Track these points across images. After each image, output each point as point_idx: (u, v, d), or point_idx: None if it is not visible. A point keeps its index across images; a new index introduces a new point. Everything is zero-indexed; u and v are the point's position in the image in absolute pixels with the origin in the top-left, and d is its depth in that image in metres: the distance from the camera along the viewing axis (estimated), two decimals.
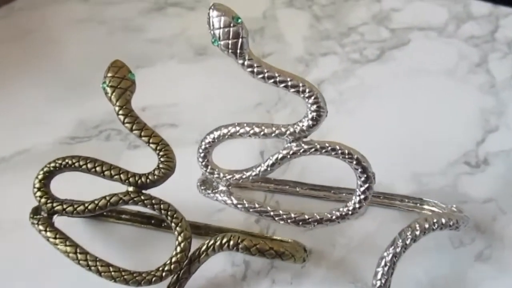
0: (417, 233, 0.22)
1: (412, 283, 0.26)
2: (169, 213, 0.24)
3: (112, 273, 0.23)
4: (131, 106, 0.26)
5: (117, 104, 0.25)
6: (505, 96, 0.37)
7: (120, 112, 0.25)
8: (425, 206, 0.27)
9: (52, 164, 0.25)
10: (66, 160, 0.25)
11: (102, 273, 0.23)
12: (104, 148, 0.34)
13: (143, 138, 0.25)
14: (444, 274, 0.26)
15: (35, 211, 0.25)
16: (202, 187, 0.26)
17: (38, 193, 0.24)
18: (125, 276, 0.23)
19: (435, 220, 0.23)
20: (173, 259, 0.23)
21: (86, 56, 0.43)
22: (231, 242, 0.23)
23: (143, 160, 0.33)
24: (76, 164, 0.25)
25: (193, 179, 0.29)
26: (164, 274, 0.23)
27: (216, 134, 0.24)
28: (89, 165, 0.25)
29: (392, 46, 0.43)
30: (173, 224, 0.24)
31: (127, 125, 0.25)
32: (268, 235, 0.28)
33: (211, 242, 0.23)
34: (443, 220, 0.23)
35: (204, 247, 0.24)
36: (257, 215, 0.25)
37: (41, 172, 0.25)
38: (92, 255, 0.23)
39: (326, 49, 0.42)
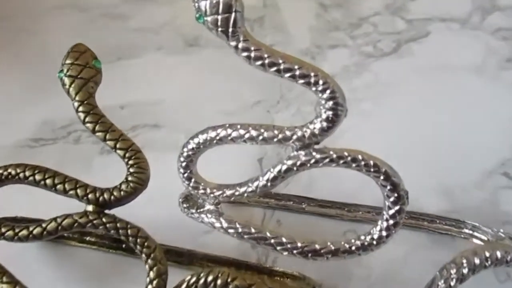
0: (465, 271, 0.17)
1: None
2: (138, 240, 0.18)
3: None
4: (95, 101, 0.20)
5: (76, 98, 0.19)
6: None
7: (80, 108, 0.19)
8: (464, 230, 0.22)
9: None
10: (9, 170, 0.19)
11: None
12: (73, 153, 0.28)
13: (108, 142, 0.19)
14: None
15: None
16: (185, 205, 0.21)
17: None
18: None
19: (488, 254, 0.17)
20: None
21: (60, 46, 0.36)
22: (219, 281, 0.17)
23: (118, 168, 0.27)
24: (21, 175, 0.19)
25: (176, 192, 0.23)
26: None
27: (201, 138, 0.19)
28: (37, 177, 0.19)
29: (409, 39, 0.37)
30: (143, 256, 0.18)
31: (88, 125, 0.19)
32: (268, 265, 0.22)
33: (193, 279, 0.18)
34: (499, 254, 0.17)
35: (184, 285, 0.18)
36: (254, 243, 0.19)
37: None
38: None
39: (335, 41, 0.37)
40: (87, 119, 0.19)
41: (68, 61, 0.19)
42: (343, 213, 0.24)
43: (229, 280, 0.17)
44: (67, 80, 0.19)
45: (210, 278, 0.17)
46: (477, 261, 0.17)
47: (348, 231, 0.24)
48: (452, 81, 0.33)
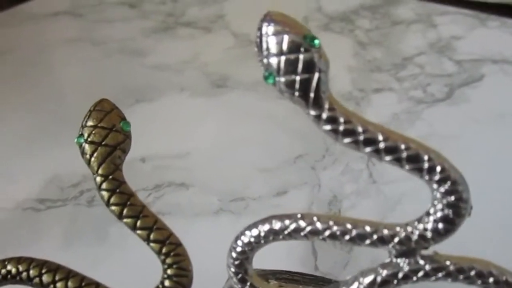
0: None
1: None
2: None
3: None
4: (122, 176, 0.15)
5: (99, 172, 0.15)
6: None
7: (104, 185, 0.15)
8: None
9: None
10: (8, 268, 0.14)
11: None
12: (85, 217, 0.23)
13: (138, 231, 0.14)
14: None
15: None
16: None
17: None
18: None
19: None
20: None
21: (72, 84, 0.33)
22: None
23: (136, 241, 0.23)
24: (24, 275, 0.14)
25: (213, 271, 0.18)
26: None
27: (262, 229, 0.14)
28: (45, 278, 0.14)
29: (462, 83, 0.33)
30: None
31: (113, 208, 0.15)
32: None
33: None
34: None
35: None
36: None
37: None
38: None
39: (379, 83, 0.33)
40: (112, 200, 0.14)
41: (89, 123, 0.15)
42: None
43: None
44: (88, 148, 0.15)
45: None
46: None
47: None
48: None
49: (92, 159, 0.15)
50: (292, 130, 0.29)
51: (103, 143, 0.15)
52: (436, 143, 0.27)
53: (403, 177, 0.23)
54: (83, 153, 0.15)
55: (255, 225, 0.14)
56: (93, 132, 0.15)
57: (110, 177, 0.15)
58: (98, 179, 0.15)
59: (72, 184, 0.25)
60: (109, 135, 0.15)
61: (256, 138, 0.28)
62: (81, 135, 0.15)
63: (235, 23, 0.38)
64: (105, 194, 0.15)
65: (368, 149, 0.12)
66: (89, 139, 0.15)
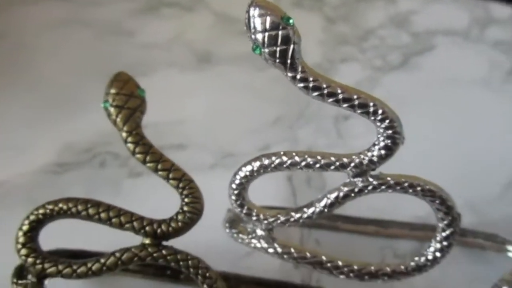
0: None
1: None
2: (199, 271, 0.18)
3: None
4: (142, 131, 0.20)
5: (125, 129, 0.19)
6: None
7: (129, 139, 0.19)
8: (508, 247, 0.23)
9: (41, 211, 0.19)
10: (60, 205, 0.19)
11: None
12: (100, 177, 0.28)
13: (159, 172, 0.19)
14: None
15: (19, 273, 0.19)
16: (234, 231, 0.21)
17: (24, 251, 0.18)
18: None
19: None
20: None
21: (69, 65, 0.36)
22: None
23: (148, 191, 0.27)
24: (73, 210, 0.19)
25: (211, 215, 0.23)
26: None
27: (255, 165, 0.19)
28: (91, 211, 0.19)
29: (416, 52, 0.38)
30: (205, 286, 0.18)
31: (138, 156, 0.19)
32: (313, 284, 0.23)
33: None
34: None
35: None
36: (310, 267, 0.19)
37: (27, 222, 0.19)
38: None
39: (345, 54, 0.38)
40: (137, 150, 0.19)
41: (113, 91, 0.19)
42: (379, 230, 0.24)
43: None
44: (113, 111, 0.19)
45: None
46: None
47: (384, 248, 0.25)
48: (461, 95, 0.35)
49: (118, 119, 0.19)
50: (270, 97, 0.34)
51: (125, 106, 0.19)
52: (393, 104, 0.34)
53: (363, 133, 0.30)
54: (109, 114, 0.20)
55: (249, 162, 0.19)
56: (116, 98, 0.19)
57: (134, 132, 0.19)
58: (124, 134, 0.19)
59: (84, 149, 0.29)
60: (130, 100, 0.20)
61: (240, 105, 0.33)
62: (106, 101, 0.20)
63: (215, 3, 0.42)
64: (130, 146, 0.19)
65: (330, 100, 0.17)
66: (113, 104, 0.19)
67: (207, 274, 0.18)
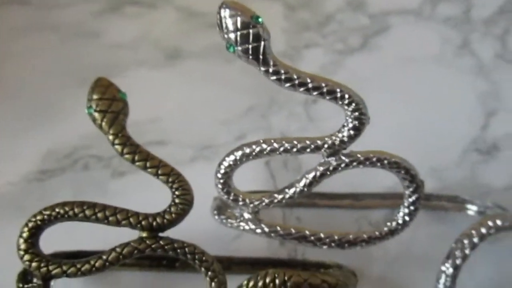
0: (475, 240, 0.21)
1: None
2: (196, 256, 0.20)
3: None
4: (128, 133, 0.21)
5: (111, 132, 0.21)
6: (496, 76, 0.37)
7: (116, 141, 0.20)
8: (468, 206, 0.26)
9: (39, 217, 0.20)
10: (57, 210, 0.20)
11: None
12: (84, 180, 0.29)
13: (149, 170, 0.21)
14: (488, 275, 0.25)
15: (23, 278, 0.20)
16: (222, 217, 0.23)
17: (27, 257, 0.20)
18: None
19: (490, 224, 0.21)
20: None
21: (40, 70, 0.37)
22: (277, 281, 0.20)
23: (134, 189, 0.29)
24: (70, 213, 0.20)
25: (197, 204, 0.25)
26: None
27: (237, 155, 0.21)
28: (88, 212, 0.20)
29: (373, 33, 0.41)
30: (203, 269, 0.20)
31: (127, 156, 0.21)
32: (300, 258, 0.25)
33: (251, 283, 0.20)
34: (499, 222, 0.21)
35: None
36: (296, 242, 0.21)
37: (26, 229, 0.20)
38: None
39: (307, 40, 0.40)
40: (125, 151, 0.20)
41: (95, 96, 0.20)
42: (353, 203, 0.27)
43: (286, 278, 0.20)
44: (98, 116, 0.20)
45: (268, 279, 0.20)
46: (484, 230, 0.21)
47: (359, 218, 0.27)
48: (417, 71, 0.37)
49: (103, 123, 0.21)
50: (240, 88, 0.35)
51: (109, 110, 0.21)
52: (356, 85, 0.36)
53: (331, 114, 0.32)
54: (94, 120, 0.21)
55: (231, 152, 0.21)
56: (100, 103, 0.21)
57: (120, 134, 0.21)
58: (111, 137, 0.21)
59: (65, 155, 0.30)
60: (113, 104, 0.21)
61: (212, 98, 0.34)
62: (90, 106, 0.21)
63: None
64: (118, 147, 0.21)
65: (301, 89, 0.19)
66: (97, 109, 0.20)
67: (204, 258, 0.20)
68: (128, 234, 0.21)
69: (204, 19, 0.41)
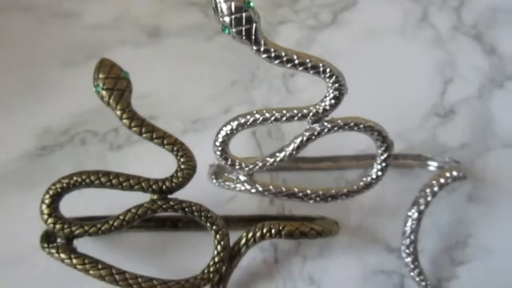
0: (436, 189, 0.25)
1: (421, 232, 0.29)
2: (202, 213, 0.23)
3: (158, 286, 0.22)
4: (133, 108, 0.24)
5: (118, 107, 0.23)
6: (452, 47, 0.41)
7: (124, 116, 0.23)
8: (421, 162, 0.30)
9: (58, 185, 0.23)
10: (74, 178, 0.23)
11: None
12: (84, 154, 0.31)
13: (155, 140, 0.23)
14: (446, 219, 0.29)
15: (47, 238, 0.23)
16: (220, 180, 0.26)
17: (51, 220, 0.22)
18: (172, 287, 0.22)
19: (447, 175, 0.26)
20: (216, 259, 0.23)
21: (22, 52, 0.38)
22: (273, 231, 0.23)
23: (132, 161, 0.31)
24: (87, 181, 0.23)
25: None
26: (211, 275, 0.23)
27: (233, 124, 0.24)
28: (103, 179, 0.23)
29: (342, 9, 0.44)
30: (208, 224, 0.23)
31: (135, 129, 0.23)
32: (288, 213, 0.29)
33: (251, 234, 0.24)
34: (454, 174, 0.26)
35: (244, 240, 0.24)
36: (286, 198, 0.25)
37: (47, 196, 0.23)
38: (130, 273, 0.22)
39: (281, 17, 0.43)
40: (133, 124, 0.23)
41: (101, 76, 0.23)
42: (331, 165, 0.31)
43: (280, 228, 0.23)
44: (105, 93, 0.23)
45: (265, 230, 0.23)
46: (442, 180, 0.25)
47: (338, 178, 0.31)
48: (383, 44, 0.41)
49: (111, 100, 0.23)
50: (222, 63, 0.38)
51: (115, 88, 0.23)
52: (329, 59, 0.40)
53: (308, 86, 0.35)
54: (102, 97, 0.23)
55: (228, 123, 0.24)
56: (106, 81, 0.23)
57: (126, 109, 0.23)
58: (118, 112, 0.23)
59: (62, 131, 0.32)
60: (118, 82, 0.23)
61: (196, 74, 0.37)
62: (97, 85, 0.23)
63: None
64: (126, 121, 0.23)
65: (289, 65, 0.22)
66: (104, 87, 0.23)
67: (209, 215, 0.23)
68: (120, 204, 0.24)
69: None
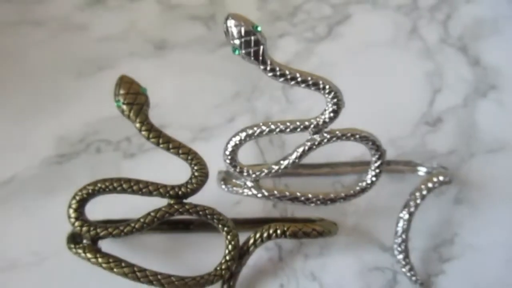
0: (425, 193, 0.28)
1: (412, 232, 0.31)
2: (214, 216, 0.26)
3: (176, 282, 0.24)
4: (151, 121, 0.26)
5: (138, 120, 0.26)
6: (440, 58, 0.44)
7: (143, 128, 0.26)
8: (411, 167, 0.33)
9: (84, 191, 0.25)
10: (99, 185, 0.25)
11: (166, 285, 0.24)
12: (99, 162, 0.34)
13: (171, 150, 0.26)
14: (434, 220, 0.32)
15: (73, 240, 0.25)
16: (228, 186, 0.29)
17: (78, 223, 0.25)
18: (189, 283, 0.25)
19: (435, 180, 0.28)
20: (228, 257, 0.26)
21: (34, 66, 0.40)
22: (279, 231, 0.26)
23: (144, 168, 0.34)
24: (110, 187, 0.25)
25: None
26: (223, 272, 0.25)
27: (242, 135, 0.26)
28: (125, 186, 0.25)
29: (337, 22, 0.47)
30: (220, 226, 0.26)
31: (153, 140, 0.26)
32: (290, 216, 0.31)
33: (258, 234, 0.26)
34: (441, 178, 0.28)
35: (252, 240, 0.26)
36: (289, 202, 0.28)
37: (74, 201, 0.25)
38: (150, 270, 0.25)
39: (280, 30, 0.45)
40: (151, 136, 0.26)
41: (122, 92, 0.25)
42: (329, 170, 0.33)
43: (285, 229, 0.26)
44: (126, 108, 0.25)
45: (271, 230, 0.26)
46: (430, 185, 0.28)
47: (335, 182, 0.34)
48: (375, 55, 0.44)
49: (131, 114, 0.26)
50: (225, 75, 0.40)
51: (135, 103, 0.26)
52: (326, 70, 0.43)
53: (306, 96, 0.38)
54: (123, 111, 0.26)
55: (237, 133, 0.27)
56: (127, 97, 0.25)
57: (145, 122, 0.26)
58: (138, 125, 0.26)
59: (78, 140, 0.34)
60: (137, 97, 0.26)
61: (201, 85, 0.40)
62: (118, 100, 0.26)
63: None
64: (145, 133, 0.26)
65: (292, 82, 0.25)
66: (125, 102, 0.25)
67: (220, 217, 0.26)
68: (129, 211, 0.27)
69: (184, 11, 0.46)
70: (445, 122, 0.39)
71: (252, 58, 0.24)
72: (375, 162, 0.28)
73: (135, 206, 0.27)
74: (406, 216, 0.28)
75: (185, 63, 0.41)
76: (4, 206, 0.31)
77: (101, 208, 0.29)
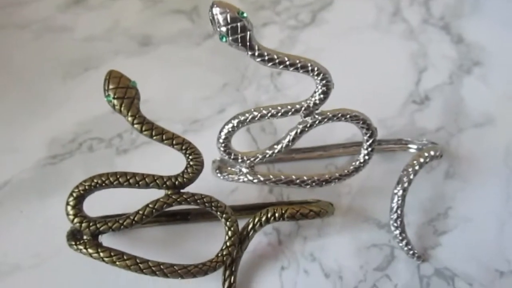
0: (417, 168, 0.28)
1: (406, 208, 0.32)
2: (213, 204, 0.26)
3: (179, 271, 0.25)
4: (142, 114, 0.27)
5: (129, 114, 0.26)
6: (423, 38, 0.45)
7: (135, 121, 0.26)
8: (402, 145, 0.34)
9: (81, 188, 0.25)
10: (95, 181, 0.25)
11: (169, 274, 0.25)
12: (92, 160, 0.34)
13: (165, 141, 0.26)
14: (427, 195, 0.33)
15: (73, 237, 0.26)
16: (224, 174, 0.29)
17: (77, 220, 0.25)
18: (192, 270, 0.25)
19: (426, 155, 0.29)
20: (228, 243, 0.26)
21: (21, 68, 0.40)
22: (277, 214, 0.27)
23: (138, 163, 0.34)
24: (107, 182, 0.25)
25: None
26: (224, 258, 0.26)
27: (234, 122, 0.27)
28: (121, 179, 0.26)
29: (319, 8, 0.47)
30: (218, 213, 0.26)
31: (145, 132, 0.26)
32: (286, 199, 0.32)
33: (257, 218, 0.27)
34: (432, 153, 0.29)
35: (251, 225, 0.27)
36: (285, 186, 0.28)
37: (71, 198, 0.25)
38: (152, 261, 0.25)
39: (264, 19, 0.46)
40: (143, 128, 0.26)
41: (111, 86, 0.25)
42: (322, 153, 0.34)
43: (283, 211, 0.26)
44: (116, 102, 0.25)
45: (269, 214, 0.27)
46: (421, 160, 0.29)
47: (328, 165, 0.35)
48: (359, 38, 0.45)
49: (122, 108, 0.26)
50: (212, 67, 0.41)
51: (125, 97, 0.26)
52: (311, 57, 0.43)
53: (294, 83, 0.38)
54: (113, 106, 0.26)
55: (229, 121, 0.27)
56: (116, 91, 0.26)
57: (137, 115, 0.26)
58: (130, 119, 0.26)
59: (69, 140, 0.35)
60: (127, 91, 0.26)
61: (189, 78, 0.40)
62: (108, 95, 0.26)
63: None
64: (137, 126, 0.26)
65: (281, 66, 0.25)
66: (115, 96, 0.26)
67: (218, 205, 0.26)
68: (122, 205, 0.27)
69: (166, 5, 0.46)
70: (432, 100, 0.39)
71: (240, 44, 0.24)
72: (367, 140, 0.28)
73: (132, 202, 0.27)
74: (400, 192, 0.28)
75: (171, 58, 0.42)
76: (0, 211, 0.31)
77: (98, 206, 0.29)
